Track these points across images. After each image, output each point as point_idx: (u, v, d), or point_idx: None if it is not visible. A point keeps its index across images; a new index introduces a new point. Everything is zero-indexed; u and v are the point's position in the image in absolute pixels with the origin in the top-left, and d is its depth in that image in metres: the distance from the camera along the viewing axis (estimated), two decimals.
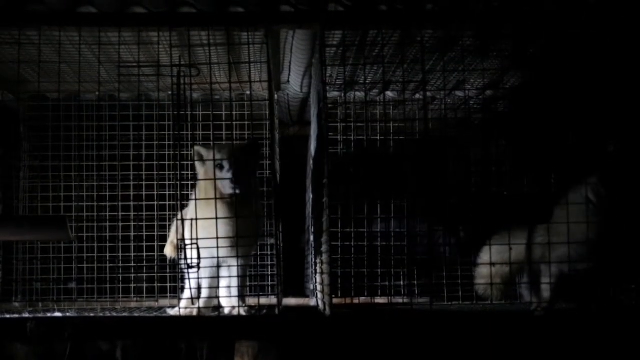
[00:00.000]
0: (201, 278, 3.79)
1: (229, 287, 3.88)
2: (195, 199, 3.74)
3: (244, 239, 3.67)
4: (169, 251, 3.97)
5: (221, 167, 3.69)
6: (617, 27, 3.75)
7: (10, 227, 3.74)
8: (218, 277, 3.83)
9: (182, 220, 3.55)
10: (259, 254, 4.85)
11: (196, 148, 3.81)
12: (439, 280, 4.46)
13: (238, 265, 3.77)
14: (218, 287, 3.88)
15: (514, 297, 4.33)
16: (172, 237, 3.81)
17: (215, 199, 3.60)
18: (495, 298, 4.16)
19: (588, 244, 3.69)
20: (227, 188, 3.69)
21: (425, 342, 3.49)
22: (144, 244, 4.73)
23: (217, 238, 3.54)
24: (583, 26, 3.74)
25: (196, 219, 3.55)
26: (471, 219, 4.59)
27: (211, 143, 3.77)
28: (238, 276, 3.81)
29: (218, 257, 3.60)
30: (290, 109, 5.50)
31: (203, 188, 3.77)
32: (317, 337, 3.49)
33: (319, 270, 4.18)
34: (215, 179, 3.67)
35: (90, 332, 3.42)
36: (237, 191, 3.65)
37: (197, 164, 3.82)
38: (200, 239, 3.53)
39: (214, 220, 3.55)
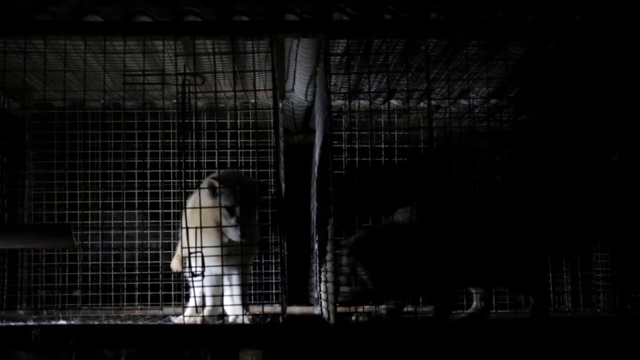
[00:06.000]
0: (204, 287, 3.79)
1: (232, 295, 3.88)
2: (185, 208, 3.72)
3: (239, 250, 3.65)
4: (175, 265, 3.96)
5: (231, 213, 3.67)
6: (618, 34, 3.76)
7: (15, 234, 3.74)
8: (222, 285, 3.82)
9: (187, 228, 3.55)
10: (263, 262, 4.87)
11: (213, 182, 3.72)
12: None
13: (233, 274, 3.78)
14: (222, 296, 3.88)
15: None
16: (179, 251, 3.80)
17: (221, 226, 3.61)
18: None
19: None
20: (232, 235, 3.67)
21: (428, 351, 3.48)
22: (149, 251, 4.74)
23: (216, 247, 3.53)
24: (584, 35, 3.75)
25: (200, 228, 3.55)
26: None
27: (223, 181, 3.72)
28: (239, 284, 3.81)
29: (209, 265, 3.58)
30: (294, 117, 5.51)
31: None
32: (321, 346, 3.48)
33: (323, 278, 4.18)
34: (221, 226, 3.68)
35: (94, 340, 3.42)
36: (243, 240, 3.64)
37: (204, 193, 3.71)
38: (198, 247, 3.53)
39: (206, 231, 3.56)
